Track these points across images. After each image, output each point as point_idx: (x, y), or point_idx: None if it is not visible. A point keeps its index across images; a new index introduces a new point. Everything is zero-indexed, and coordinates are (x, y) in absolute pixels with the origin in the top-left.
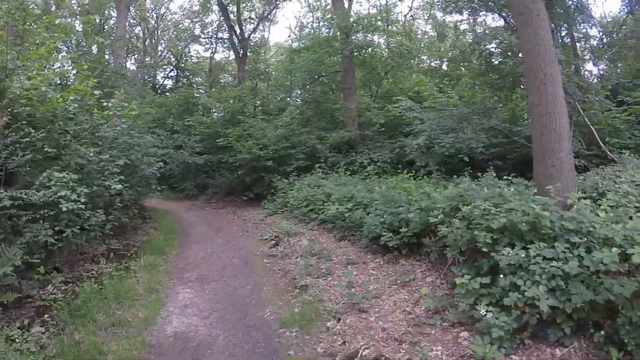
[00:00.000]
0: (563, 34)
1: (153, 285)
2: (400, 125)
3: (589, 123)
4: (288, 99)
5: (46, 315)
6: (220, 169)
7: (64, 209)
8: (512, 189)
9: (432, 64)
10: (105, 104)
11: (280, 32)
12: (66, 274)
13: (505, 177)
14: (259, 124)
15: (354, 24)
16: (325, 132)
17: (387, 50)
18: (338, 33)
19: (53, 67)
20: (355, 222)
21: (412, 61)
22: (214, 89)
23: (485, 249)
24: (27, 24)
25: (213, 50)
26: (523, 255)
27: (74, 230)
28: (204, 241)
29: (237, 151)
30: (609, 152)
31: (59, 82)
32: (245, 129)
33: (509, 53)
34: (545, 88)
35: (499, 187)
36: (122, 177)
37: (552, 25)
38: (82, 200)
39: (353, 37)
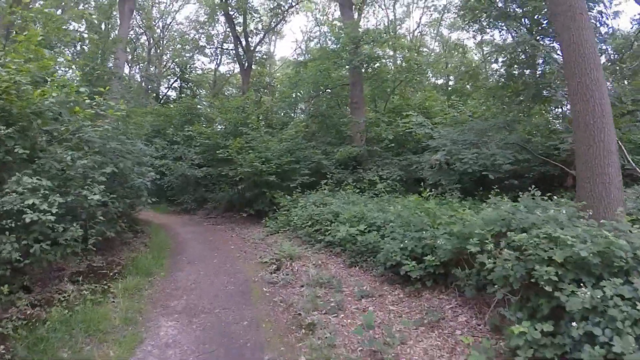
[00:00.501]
0: None
1: (132, 314)
2: (409, 142)
3: (621, 136)
4: (292, 113)
5: (1, 347)
6: (221, 182)
7: (28, 220)
8: (563, 212)
9: (438, 81)
10: (88, 101)
11: (286, 47)
12: (36, 295)
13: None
14: (262, 136)
15: (364, 35)
16: (330, 147)
17: (396, 64)
18: (347, 45)
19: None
20: (368, 246)
21: (422, 76)
22: (216, 99)
23: (547, 287)
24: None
25: (218, 61)
26: (599, 296)
27: (44, 245)
28: (197, 262)
29: (238, 164)
30: (638, 169)
31: (47, 78)
32: (247, 141)
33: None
34: (592, 94)
35: (548, 209)
36: (105, 186)
37: None
38: (54, 210)
39: (362, 49)
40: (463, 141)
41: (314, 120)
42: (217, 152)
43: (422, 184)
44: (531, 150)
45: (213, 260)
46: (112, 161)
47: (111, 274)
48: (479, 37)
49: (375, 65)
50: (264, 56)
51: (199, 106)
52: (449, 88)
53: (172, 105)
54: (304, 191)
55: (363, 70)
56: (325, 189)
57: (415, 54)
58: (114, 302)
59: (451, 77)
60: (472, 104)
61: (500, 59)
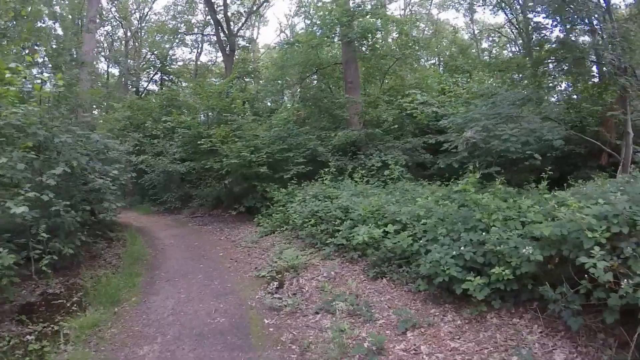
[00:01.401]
0: None
1: None
2: (408, 124)
3: None
4: (280, 100)
5: None
6: (206, 177)
7: None
8: None
9: (428, 62)
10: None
11: (270, 34)
12: None
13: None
14: (249, 122)
15: (358, 8)
16: (325, 132)
17: (389, 42)
18: (342, 17)
19: None
20: (396, 251)
21: (419, 52)
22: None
23: None
24: None
25: (199, 50)
26: None
27: None
28: (178, 278)
29: (223, 155)
30: None
31: None
32: (232, 129)
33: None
34: None
35: None
36: (56, 191)
37: None
38: None
39: (357, 22)
40: (496, 115)
41: (305, 104)
42: (199, 142)
43: (430, 168)
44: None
45: (198, 275)
46: (65, 159)
47: (69, 303)
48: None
49: (371, 41)
50: (247, 42)
51: (179, 96)
52: (447, 65)
53: (152, 99)
54: (300, 182)
55: (357, 45)
56: (326, 179)
57: (412, 29)
58: (65, 350)
59: (442, 58)
60: (477, 79)
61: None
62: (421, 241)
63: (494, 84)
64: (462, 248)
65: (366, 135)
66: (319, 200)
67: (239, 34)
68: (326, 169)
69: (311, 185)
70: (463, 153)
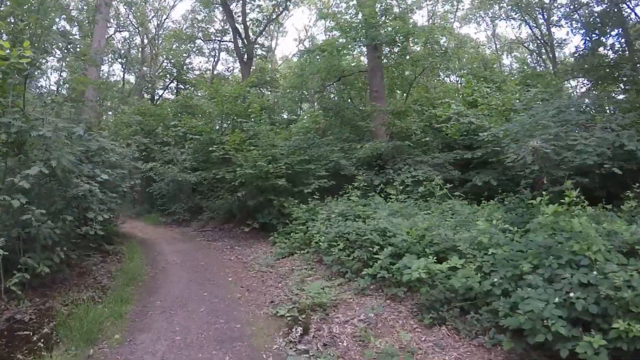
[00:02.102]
0: None
1: None
2: (436, 138)
3: None
4: (298, 111)
5: None
6: (218, 188)
7: None
8: None
9: (449, 77)
10: None
11: (288, 45)
12: None
13: None
14: (267, 130)
15: (385, 12)
16: (347, 144)
17: (420, 47)
18: (371, 17)
19: None
20: (458, 291)
21: (447, 63)
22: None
23: None
24: None
25: (216, 58)
26: None
27: None
28: (176, 309)
29: (237, 165)
30: None
31: None
32: (248, 136)
33: None
34: None
35: None
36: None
37: None
38: None
39: (382, 30)
40: (564, 122)
41: (326, 114)
42: (211, 149)
43: (459, 185)
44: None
45: (200, 308)
46: (45, 157)
47: (36, 337)
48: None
49: (400, 46)
50: (266, 50)
51: (193, 100)
52: (476, 77)
53: (166, 106)
54: (322, 198)
55: (383, 52)
56: (353, 195)
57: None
58: None
59: (465, 70)
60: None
61: None
62: (495, 279)
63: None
64: (571, 294)
65: (394, 148)
66: (347, 219)
67: (257, 42)
68: (353, 184)
69: (336, 202)
70: (521, 167)
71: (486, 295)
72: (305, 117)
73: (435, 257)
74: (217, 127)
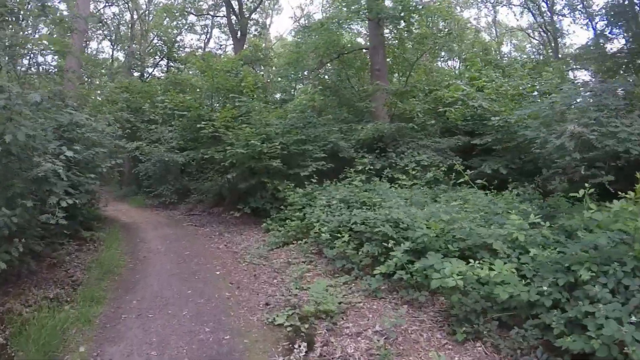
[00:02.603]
0: None
1: None
2: (438, 122)
3: None
4: (293, 91)
5: None
6: (207, 170)
7: None
8: None
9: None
10: None
11: (283, 25)
12: None
13: None
14: (260, 106)
15: None
16: (346, 125)
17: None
18: None
19: None
20: (494, 299)
21: (451, 44)
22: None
23: None
24: None
25: (208, 35)
26: None
27: None
28: (154, 312)
29: (227, 143)
30: None
31: None
32: (240, 113)
33: None
34: None
35: None
36: None
37: None
38: None
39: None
40: (601, 106)
41: (323, 93)
42: (199, 126)
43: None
44: None
45: (182, 310)
46: None
47: None
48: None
49: (406, 23)
50: (260, 26)
51: (182, 75)
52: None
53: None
54: (321, 182)
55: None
56: (357, 180)
57: (444, 19)
58: None
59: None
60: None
61: None
62: (544, 287)
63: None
64: None
65: (397, 130)
66: (350, 207)
67: (251, 18)
68: (353, 168)
69: (335, 186)
70: (557, 153)
71: (530, 306)
72: (302, 94)
73: (455, 252)
74: (208, 104)
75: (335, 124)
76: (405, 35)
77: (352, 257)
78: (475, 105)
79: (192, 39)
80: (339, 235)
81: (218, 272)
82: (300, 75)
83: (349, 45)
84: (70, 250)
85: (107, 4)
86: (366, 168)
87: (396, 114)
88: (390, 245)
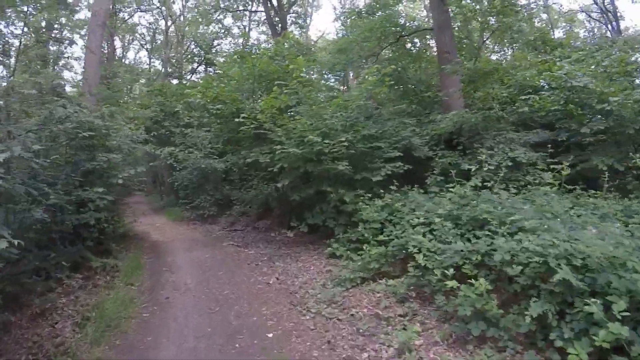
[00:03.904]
0: None
1: None
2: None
3: None
4: (343, 86)
5: None
6: (250, 177)
7: None
8: None
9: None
10: None
11: (322, 23)
12: None
13: None
14: (315, 94)
15: None
16: (413, 118)
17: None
18: None
19: None
20: None
21: (524, 24)
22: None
23: None
24: None
25: (245, 39)
26: None
27: None
28: None
29: (275, 142)
30: None
31: None
32: (290, 103)
33: None
34: None
35: None
36: None
37: None
38: None
39: None
40: None
41: (385, 83)
42: (238, 120)
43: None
44: None
45: None
46: None
47: None
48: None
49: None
50: (301, 18)
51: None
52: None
53: (187, 84)
54: (402, 188)
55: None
56: (462, 187)
57: None
58: None
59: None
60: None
61: None
62: None
63: None
64: None
65: (484, 120)
66: (461, 226)
67: (290, 11)
68: (433, 170)
69: (427, 196)
70: None
71: None
72: (370, 74)
73: None
74: (248, 95)
75: (404, 116)
76: (470, 14)
77: (501, 323)
78: (579, 86)
79: (229, 42)
80: (468, 277)
81: (271, 334)
82: (348, 68)
83: (411, 25)
84: (70, 288)
85: (138, 9)
86: (480, 168)
87: (468, 103)
88: (574, 300)
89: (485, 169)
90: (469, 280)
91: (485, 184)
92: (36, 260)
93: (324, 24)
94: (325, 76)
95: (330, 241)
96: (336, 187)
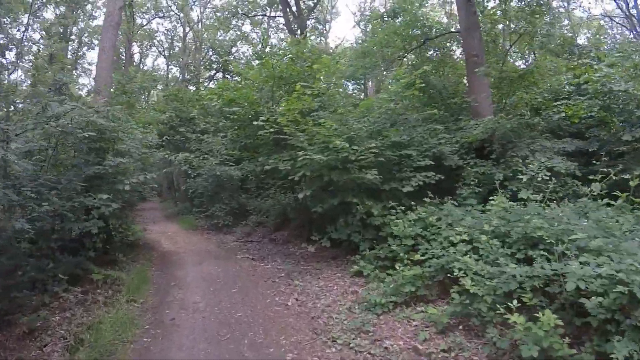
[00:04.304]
0: None
1: None
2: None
3: None
4: (362, 94)
5: None
6: (268, 185)
7: None
8: None
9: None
10: None
11: (340, 30)
12: None
13: None
14: (341, 96)
15: None
16: (440, 125)
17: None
18: None
19: None
20: None
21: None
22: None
23: None
24: None
25: (263, 45)
26: None
27: None
28: None
29: (297, 149)
30: None
31: None
32: (312, 104)
33: None
34: None
35: None
36: None
37: None
38: None
39: None
40: None
41: (409, 87)
42: (256, 123)
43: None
44: None
45: None
46: None
47: None
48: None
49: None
50: (321, 23)
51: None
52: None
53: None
54: (434, 198)
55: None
56: (541, 197)
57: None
58: None
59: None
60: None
61: None
62: None
63: None
64: None
65: (519, 126)
66: (509, 244)
67: (310, 16)
68: (462, 180)
69: (463, 209)
70: None
71: None
72: (395, 81)
73: None
74: (267, 98)
75: (430, 123)
76: (499, 14)
77: None
78: (620, 90)
79: (247, 49)
80: (525, 306)
81: None
82: (369, 77)
83: (437, 28)
84: (66, 303)
85: (156, 16)
86: (529, 180)
87: (505, 108)
88: None
89: (524, 179)
90: (534, 315)
91: (530, 195)
92: (32, 271)
93: (342, 32)
94: (344, 84)
95: (355, 258)
96: (362, 199)
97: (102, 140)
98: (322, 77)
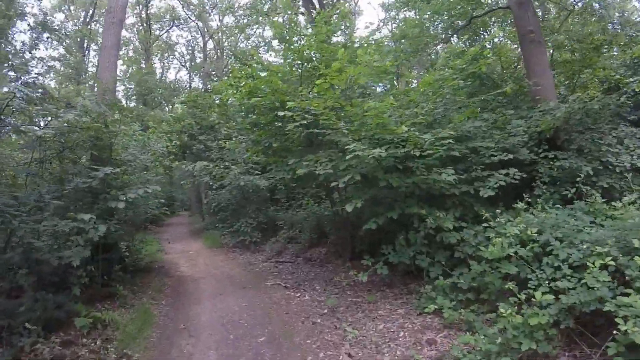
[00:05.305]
0: None
1: None
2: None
3: None
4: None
5: None
6: (299, 194)
7: None
8: None
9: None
10: None
11: (361, 32)
12: None
13: None
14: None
15: None
16: (495, 115)
17: None
18: None
19: None
20: None
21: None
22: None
23: None
24: None
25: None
26: None
27: None
28: None
29: (338, 145)
30: None
31: None
32: (351, 94)
33: None
34: None
35: None
36: None
37: None
38: None
39: None
40: None
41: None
42: (282, 114)
43: None
44: None
45: None
46: None
47: None
48: None
49: None
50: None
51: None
52: None
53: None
54: (520, 202)
55: None
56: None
57: None
58: None
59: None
60: None
61: None
62: None
63: None
64: None
65: (602, 109)
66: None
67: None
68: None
69: (563, 215)
70: None
71: None
72: (449, 58)
73: None
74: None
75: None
76: None
77: None
78: None
79: (270, 55)
80: None
81: None
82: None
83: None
84: None
85: (173, 24)
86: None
87: (574, 90)
88: None
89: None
90: None
91: None
92: None
93: (364, 32)
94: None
95: (425, 289)
96: (431, 210)
97: (95, 148)
98: (363, 55)
